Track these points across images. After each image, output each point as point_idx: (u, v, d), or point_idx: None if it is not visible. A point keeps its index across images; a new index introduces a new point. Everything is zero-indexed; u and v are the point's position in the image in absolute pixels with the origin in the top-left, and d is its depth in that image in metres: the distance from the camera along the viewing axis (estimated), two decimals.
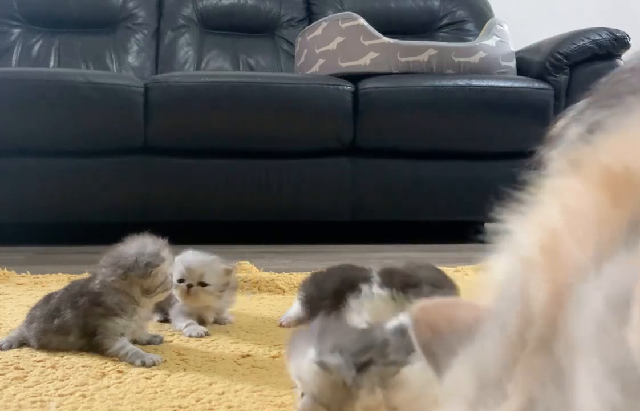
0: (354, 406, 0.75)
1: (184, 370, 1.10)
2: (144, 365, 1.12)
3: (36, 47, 3.14)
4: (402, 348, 0.76)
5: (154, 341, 1.25)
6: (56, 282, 1.73)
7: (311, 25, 2.95)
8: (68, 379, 1.05)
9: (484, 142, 2.67)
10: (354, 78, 2.65)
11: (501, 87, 2.67)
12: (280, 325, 1.38)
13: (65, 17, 3.18)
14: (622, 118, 0.31)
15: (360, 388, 0.74)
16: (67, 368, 1.10)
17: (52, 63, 3.11)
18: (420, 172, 2.67)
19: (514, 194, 0.32)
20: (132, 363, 1.13)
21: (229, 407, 0.94)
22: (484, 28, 2.97)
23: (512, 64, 2.83)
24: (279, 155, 2.60)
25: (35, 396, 0.97)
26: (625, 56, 2.72)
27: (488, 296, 0.32)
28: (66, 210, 2.53)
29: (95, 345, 1.18)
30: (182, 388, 1.02)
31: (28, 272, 1.87)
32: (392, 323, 0.86)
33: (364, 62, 2.69)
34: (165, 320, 1.40)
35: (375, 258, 2.09)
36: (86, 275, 1.32)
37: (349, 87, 2.62)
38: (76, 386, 1.02)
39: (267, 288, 1.73)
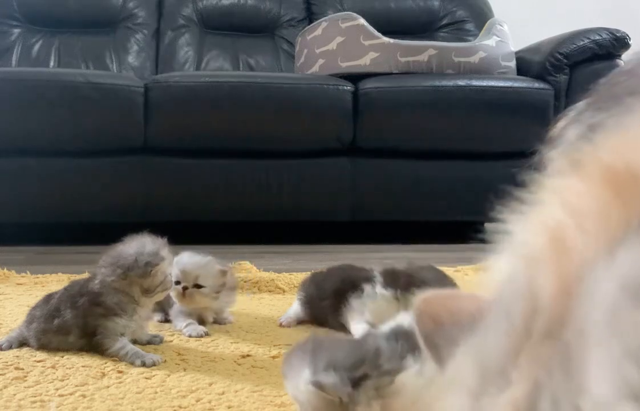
0: None
1: (184, 370, 1.10)
2: (144, 365, 1.12)
3: (36, 47, 3.14)
4: (395, 354, 0.76)
5: (154, 341, 1.25)
6: (56, 282, 1.73)
7: (311, 25, 2.95)
8: (68, 379, 1.05)
9: (484, 142, 2.67)
10: (354, 78, 2.65)
11: (501, 87, 2.67)
12: (280, 325, 1.38)
13: (65, 17, 3.18)
14: (621, 119, 0.31)
15: (357, 403, 0.75)
16: (67, 368, 1.10)
17: (52, 63, 3.11)
18: (420, 172, 2.67)
19: (514, 193, 0.32)
20: (132, 363, 1.13)
21: (229, 407, 0.94)
22: (484, 28, 2.97)
23: (512, 64, 2.83)
24: (279, 155, 2.60)
25: (35, 396, 0.97)
26: (625, 56, 2.72)
27: (491, 290, 0.32)
28: (66, 210, 2.53)
29: (95, 345, 1.18)
30: (182, 388, 1.02)
31: (28, 272, 1.87)
32: (388, 326, 0.86)
33: (364, 62, 2.69)
34: (166, 320, 1.40)
35: (375, 258, 2.09)
36: (86, 275, 1.32)
37: (349, 87, 2.62)
38: (76, 386, 1.02)
39: (267, 288, 1.73)
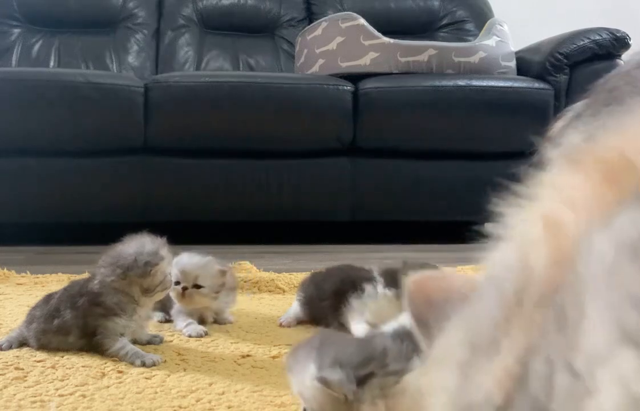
0: None
1: (184, 370, 1.10)
2: (144, 365, 1.12)
3: (36, 47, 3.14)
4: (401, 354, 0.76)
5: (154, 341, 1.25)
6: (56, 282, 1.73)
7: (311, 25, 2.95)
8: (68, 379, 1.05)
9: (484, 142, 2.67)
10: (354, 78, 2.65)
11: (501, 87, 2.67)
12: (280, 325, 1.38)
13: (65, 17, 3.18)
14: (619, 119, 0.31)
15: (362, 401, 0.75)
16: (67, 368, 1.10)
17: (52, 63, 3.11)
18: (420, 172, 2.67)
19: (511, 189, 0.32)
20: (132, 363, 1.13)
21: (229, 407, 0.94)
22: (484, 28, 2.97)
23: (512, 64, 2.83)
24: (279, 155, 2.60)
25: (35, 396, 0.97)
26: (625, 56, 2.72)
27: (483, 271, 0.33)
28: (66, 210, 2.53)
29: (95, 345, 1.18)
30: (182, 388, 1.02)
31: (28, 272, 1.87)
32: (391, 326, 0.86)
33: (364, 62, 2.69)
34: (167, 320, 1.41)
35: (375, 258, 2.09)
36: (86, 275, 1.32)
37: (349, 87, 2.62)
38: (76, 386, 1.02)
39: (267, 288, 1.73)
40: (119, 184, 2.54)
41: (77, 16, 3.20)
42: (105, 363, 1.13)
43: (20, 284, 1.76)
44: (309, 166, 2.62)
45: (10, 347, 1.20)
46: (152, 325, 1.34)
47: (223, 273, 1.37)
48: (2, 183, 2.49)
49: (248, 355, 1.18)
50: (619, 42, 2.66)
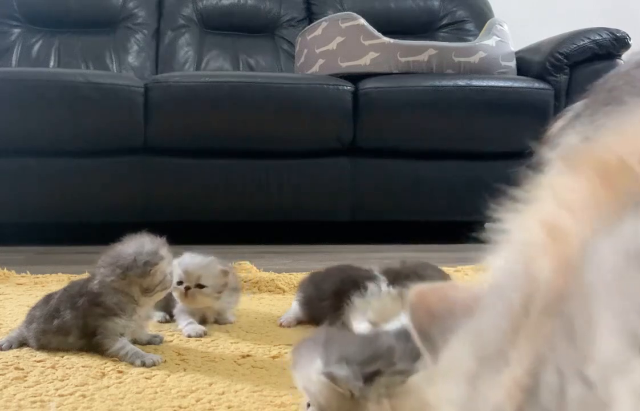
0: None
1: (184, 370, 1.10)
2: (144, 365, 1.12)
3: (36, 47, 3.14)
4: (407, 354, 0.76)
5: (154, 341, 1.25)
6: (56, 282, 1.73)
7: (311, 25, 2.95)
8: (68, 379, 1.05)
9: (484, 142, 2.67)
10: (354, 78, 2.65)
11: (501, 87, 2.67)
12: (280, 325, 1.38)
13: (65, 17, 3.18)
14: (617, 119, 0.31)
15: (367, 399, 0.74)
16: (67, 368, 1.10)
17: (52, 63, 3.11)
18: (420, 172, 2.67)
19: (510, 192, 0.32)
20: (132, 363, 1.13)
21: (229, 407, 0.94)
22: (484, 28, 2.97)
23: (512, 64, 2.83)
24: (279, 155, 2.60)
25: (35, 396, 0.97)
26: (625, 56, 2.72)
27: (487, 280, 0.32)
28: (66, 210, 2.53)
29: (95, 345, 1.18)
30: (182, 388, 1.02)
31: (28, 272, 1.87)
32: (393, 325, 0.86)
33: (364, 62, 2.69)
34: (167, 320, 1.41)
35: (375, 258, 2.09)
36: (86, 275, 1.32)
37: (349, 87, 2.62)
38: (76, 386, 1.02)
39: (267, 288, 1.73)
40: (119, 184, 2.54)
41: (77, 16, 3.20)
42: (105, 363, 1.13)
43: (20, 284, 1.76)
44: (309, 166, 2.62)
45: (10, 347, 1.20)
46: (152, 325, 1.34)
47: (225, 273, 1.38)
48: (2, 183, 2.49)
49: (248, 355, 1.18)
50: (619, 42, 2.66)
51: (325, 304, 1.34)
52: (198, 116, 2.55)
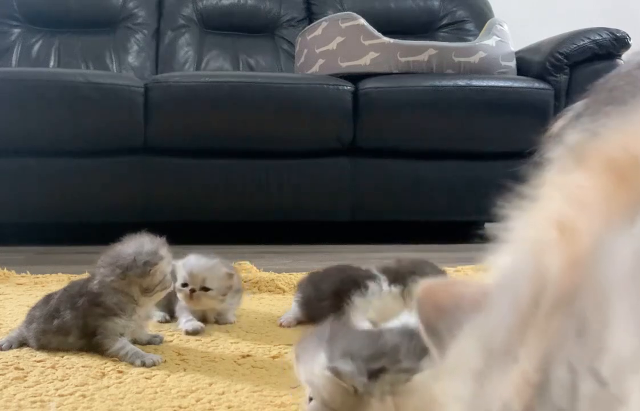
0: None
1: (184, 370, 1.10)
2: (144, 365, 1.12)
3: (36, 47, 3.14)
4: (412, 353, 0.75)
5: (154, 341, 1.25)
6: (56, 282, 1.73)
7: (311, 25, 2.95)
8: (68, 379, 1.05)
9: (484, 142, 2.67)
10: (354, 78, 2.65)
11: (501, 87, 2.67)
12: (280, 325, 1.38)
13: (65, 17, 3.18)
14: (623, 117, 0.31)
15: (371, 395, 0.74)
16: (67, 368, 1.10)
17: (52, 63, 3.11)
18: (420, 172, 2.67)
19: (515, 190, 0.32)
20: (132, 363, 1.13)
21: (229, 407, 0.94)
22: (484, 28, 2.97)
23: (512, 64, 2.83)
24: (279, 155, 2.60)
25: (35, 396, 0.97)
26: (626, 56, 2.72)
27: (495, 277, 0.32)
28: (66, 210, 2.53)
29: (95, 345, 1.18)
30: (182, 388, 1.02)
31: (28, 272, 1.87)
32: (394, 324, 0.86)
33: (364, 62, 2.69)
34: (167, 320, 1.41)
35: (375, 258, 2.08)
36: (86, 275, 1.32)
37: (349, 87, 2.61)
38: (76, 386, 1.02)
39: (267, 288, 1.73)
40: (119, 184, 2.54)
41: (77, 16, 3.20)
42: (105, 363, 1.13)
43: (20, 284, 1.76)
44: (309, 166, 2.62)
45: (10, 347, 1.20)
46: (152, 325, 1.34)
47: (230, 275, 1.38)
48: (2, 183, 2.49)
49: (248, 355, 1.18)
50: (619, 42, 2.66)
51: (325, 304, 1.34)
52: (198, 116, 2.55)
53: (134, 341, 1.21)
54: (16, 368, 1.09)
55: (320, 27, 2.82)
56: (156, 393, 1.00)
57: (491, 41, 2.80)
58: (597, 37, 2.67)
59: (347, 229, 2.72)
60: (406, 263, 1.32)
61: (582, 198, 0.28)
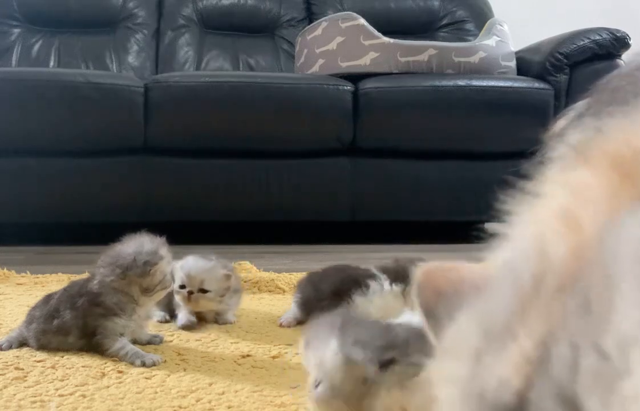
0: (371, 403, 0.74)
1: (184, 370, 1.10)
2: (144, 365, 1.12)
3: (36, 47, 3.14)
4: (422, 349, 0.75)
5: (154, 341, 1.25)
6: (56, 282, 1.73)
7: (311, 25, 2.95)
8: (68, 379, 1.05)
9: (484, 142, 2.67)
10: (354, 78, 2.65)
11: (501, 87, 2.67)
12: (280, 325, 1.38)
13: (65, 17, 3.18)
14: (625, 116, 0.31)
15: (379, 385, 0.74)
16: (67, 368, 1.10)
17: (52, 63, 3.11)
18: (420, 172, 2.67)
19: (519, 188, 0.32)
20: (132, 363, 1.13)
21: (229, 407, 0.94)
22: (484, 28, 2.97)
23: (512, 64, 2.83)
24: (279, 155, 2.60)
25: (35, 396, 0.97)
26: (626, 56, 2.72)
27: (496, 262, 0.32)
28: (66, 210, 2.53)
29: (95, 345, 1.18)
30: (182, 388, 1.02)
31: (28, 272, 1.87)
32: (405, 319, 0.86)
33: (364, 62, 2.69)
34: (167, 320, 1.41)
35: (375, 258, 2.08)
36: (86, 275, 1.32)
37: (349, 87, 2.61)
38: (76, 386, 1.02)
39: (267, 288, 1.73)
40: (119, 184, 2.54)
41: (77, 16, 3.20)
42: (105, 363, 1.13)
43: (20, 284, 1.76)
44: (309, 166, 2.62)
45: (10, 347, 1.20)
46: (152, 325, 1.34)
47: (228, 276, 1.38)
48: (2, 183, 2.49)
49: (248, 355, 1.18)
50: (619, 42, 2.66)
51: (324, 304, 1.33)
52: (198, 116, 2.55)
53: (134, 341, 1.21)
54: (16, 368, 1.09)
55: (320, 27, 2.82)
56: (156, 393, 1.00)
57: (491, 41, 2.80)
58: (597, 37, 2.67)
59: (347, 229, 2.72)
60: (404, 262, 1.32)
61: (586, 193, 0.29)
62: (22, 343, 1.21)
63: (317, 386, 0.76)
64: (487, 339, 0.29)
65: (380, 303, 1.25)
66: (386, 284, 1.27)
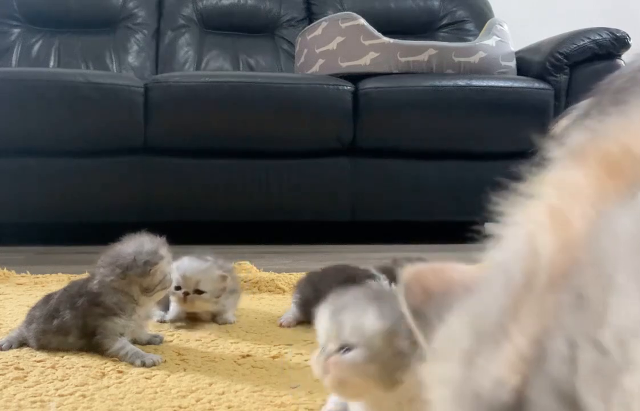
0: (400, 376, 0.74)
1: (184, 370, 1.10)
2: (144, 365, 1.12)
3: (36, 47, 3.14)
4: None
5: (154, 341, 1.25)
6: (56, 282, 1.73)
7: (311, 25, 2.95)
8: (68, 379, 1.05)
9: (484, 142, 2.67)
10: (354, 78, 2.65)
11: (501, 87, 2.67)
12: (280, 325, 1.38)
13: (65, 17, 3.18)
14: (622, 116, 0.31)
15: (412, 360, 0.74)
16: (67, 368, 1.10)
17: (52, 63, 3.11)
18: (420, 172, 2.67)
19: (513, 188, 0.32)
20: (132, 363, 1.13)
21: (229, 407, 0.94)
22: (484, 28, 2.97)
23: (512, 64, 2.83)
24: (279, 155, 2.60)
25: (35, 396, 0.97)
26: (626, 56, 2.72)
27: (486, 261, 0.32)
28: (66, 210, 2.53)
29: (95, 345, 1.18)
30: (182, 388, 1.02)
31: (28, 272, 1.87)
32: None
33: (364, 62, 2.69)
34: (166, 321, 1.41)
35: (375, 258, 2.08)
36: (86, 275, 1.32)
37: (349, 87, 2.61)
38: (76, 386, 1.02)
39: (267, 288, 1.73)
40: (119, 184, 2.54)
41: (77, 16, 3.20)
42: (105, 363, 1.13)
43: (20, 284, 1.76)
44: (309, 166, 2.62)
45: (10, 347, 1.20)
46: (152, 325, 1.34)
47: (224, 277, 1.38)
48: (2, 183, 2.49)
49: (248, 355, 1.18)
50: (619, 42, 2.66)
51: None
52: (198, 116, 2.55)
53: (134, 341, 1.21)
54: (16, 368, 1.09)
55: (320, 27, 2.82)
56: (156, 393, 1.00)
57: (491, 41, 2.80)
58: (597, 37, 2.67)
59: (347, 229, 2.72)
60: (403, 262, 1.32)
61: (574, 191, 0.29)
62: (22, 343, 1.21)
63: (344, 351, 0.76)
64: (479, 339, 0.29)
65: None
66: (385, 284, 1.27)
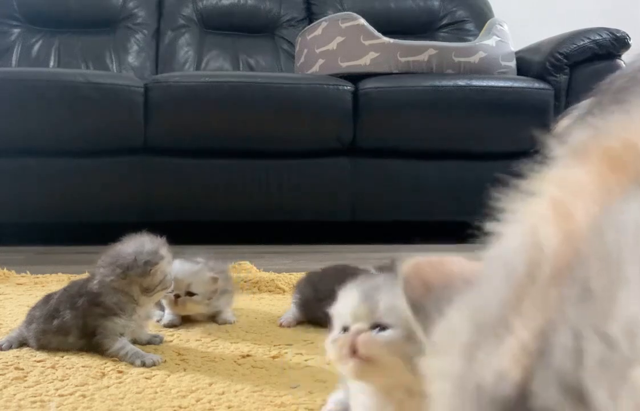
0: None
1: (184, 370, 1.10)
2: (144, 365, 1.12)
3: (36, 47, 3.14)
4: None
5: (154, 341, 1.25)
6: (56, 282, 1.73)
7: (311, 25, 2.95)
8: (68, 379, 1.05)
9: (484, 142, 2.67)
10: (354, 78, 2.65)
11: (501, 87, 2.67)
12: (280, 325, 1.38)
13: (65, 17, 3.18)
14: (624, 113, 0.31)
15: (423, 347, 0.74)
16: (67, 368, 1.10)
17: (52, 63, 3.11)
18: (420, 172, 2.67)
19: (515, 186, 0.32)
20: (132, 363, 1.13)
21: (229, 407, 0.94)
22: (484, 28, 2.97)
23: (512, 64, 2.83)
24: (279, 155, 2.60)
25: (35, 396, 0.97)
26: (626, 56, 2.72)
27: (487, 254, 0.32)
28: (66, 210, 2.53)
29: (95, 345, 1.18)
30: (182, 388, 1.02)
31: (28, 272, 1.87)
32: None
33: (364, 62, 2.69)
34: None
35: (375, 257, 2.08)
36: (86, 275, 1.32)
37: (349, 87, 2.61)
38: (76, 386, 1.02)
39: (267, 288, 1.73)
40: (119, 184, 2.54)
41: (77, 16, 3.20)
42: (105, 363, 1.13)
43: (20, 284, 1.76)
44: (309, 166, 2.62)
45: (10, 347, 1.20)
46: (152, 325, 1.34)
47: (215, 279, 1.38)
48: (2, 183, 2.49)
49: (248, 355, 1.18)
50: (619, 42, 2.66)
51: (324, 304, 1.33)
52: (198, 116, 2.55)
53: (134, 341, 1.21)
54: (16, 368, 1.09)
55: (320, 27, 2.82)
56: (156, 393, 1.00)
57: (491, 41, 2.80)
58: (597, 37, 2.67)
59: (347, 229, 2.72)
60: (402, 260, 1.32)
61: (576, 185, 0.28)
62: (22, 343, 1.21)
63: (378, 330, 0.74)
64: (479, 332, 0.29)
65: None
66: None
